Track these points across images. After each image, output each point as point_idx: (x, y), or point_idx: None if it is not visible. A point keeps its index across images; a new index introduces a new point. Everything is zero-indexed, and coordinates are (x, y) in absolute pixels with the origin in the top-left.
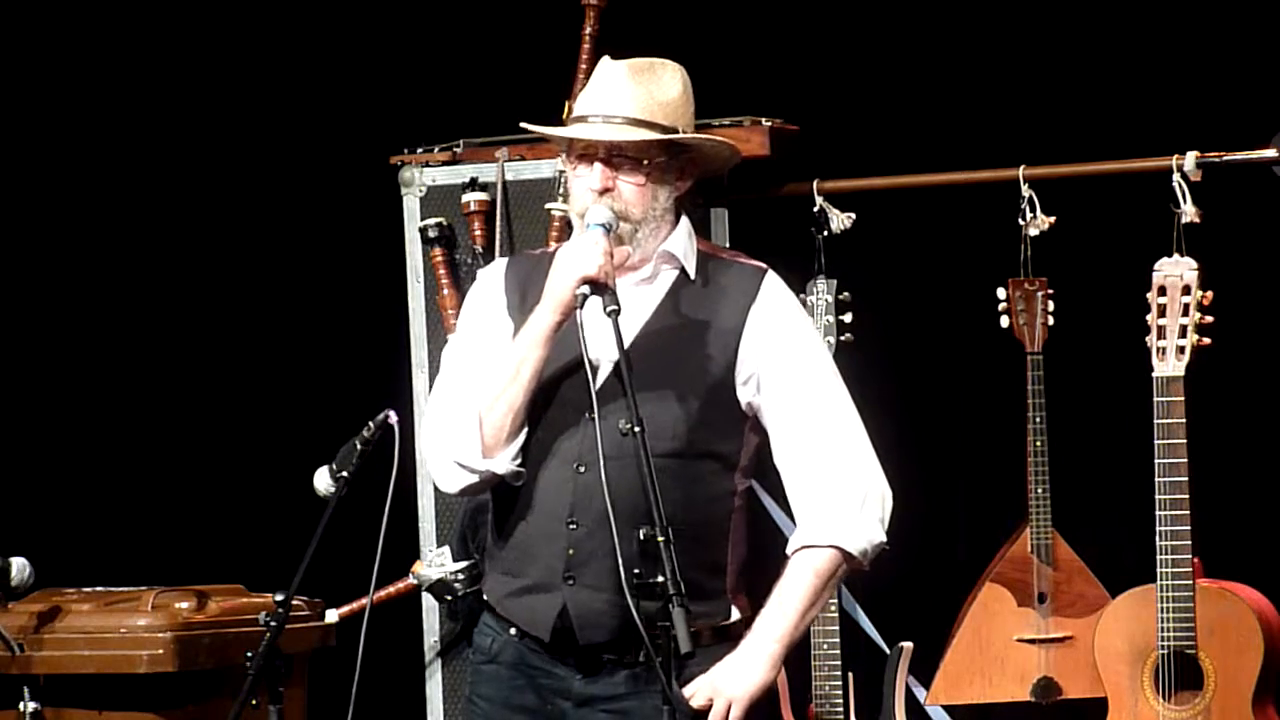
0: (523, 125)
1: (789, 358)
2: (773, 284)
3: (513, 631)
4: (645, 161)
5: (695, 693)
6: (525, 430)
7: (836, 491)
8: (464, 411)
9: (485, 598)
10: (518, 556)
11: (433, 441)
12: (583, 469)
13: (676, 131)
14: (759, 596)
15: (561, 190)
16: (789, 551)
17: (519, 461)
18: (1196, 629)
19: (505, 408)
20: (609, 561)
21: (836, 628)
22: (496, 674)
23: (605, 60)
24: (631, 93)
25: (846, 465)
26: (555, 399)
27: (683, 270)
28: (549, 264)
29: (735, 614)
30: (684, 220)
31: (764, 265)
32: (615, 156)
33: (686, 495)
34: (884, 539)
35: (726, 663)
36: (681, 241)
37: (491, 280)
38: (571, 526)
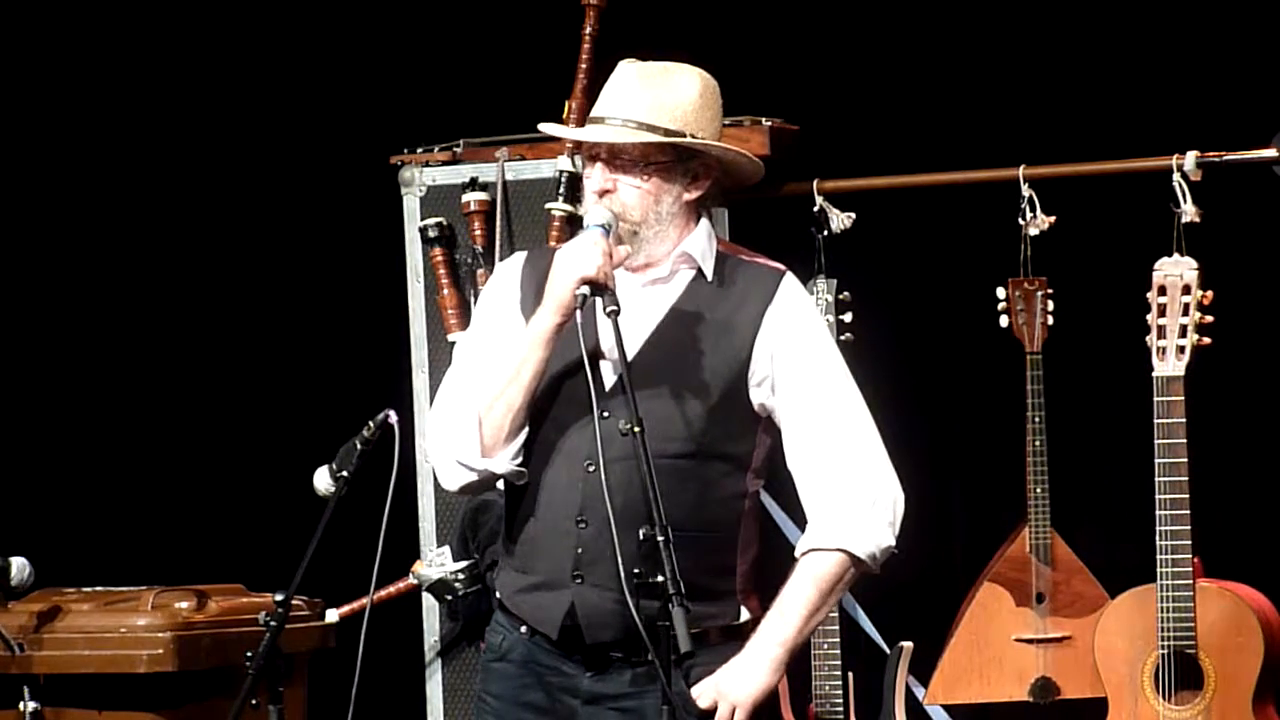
0: (540, 127)
1: (804, 360)
2: (790, 286)
3: (523, 629)
4: (646, 164)
5: (700, 695)
6: (525, 430)
7: (847, 495)
8: (464, 410)
9: (497, 595)
10: (528, 553)
11: (436, 438)
12: (593, 467)
13: (684, 135)
14: (768, 599)
15: (561, 190)
16: (797, 554)
17: (519, 461)
18: (1196, 629)
19: (505, 408)
20: (616, 561)
21: (836, 628)
22: (506, 672)
23: (622, 63)
24: (638, 95)
25: (858, 469)
26: (566, 398)
27: (700, 271)
28: None
29: (745, 615)
30: (704, 221)
31: (783, 267)
32: (618, 158)
33: (697, 496)
34: (893, 543)
35: (730, 666)
36: (700, 242)
37: (508, 275)
38: (581, 525)
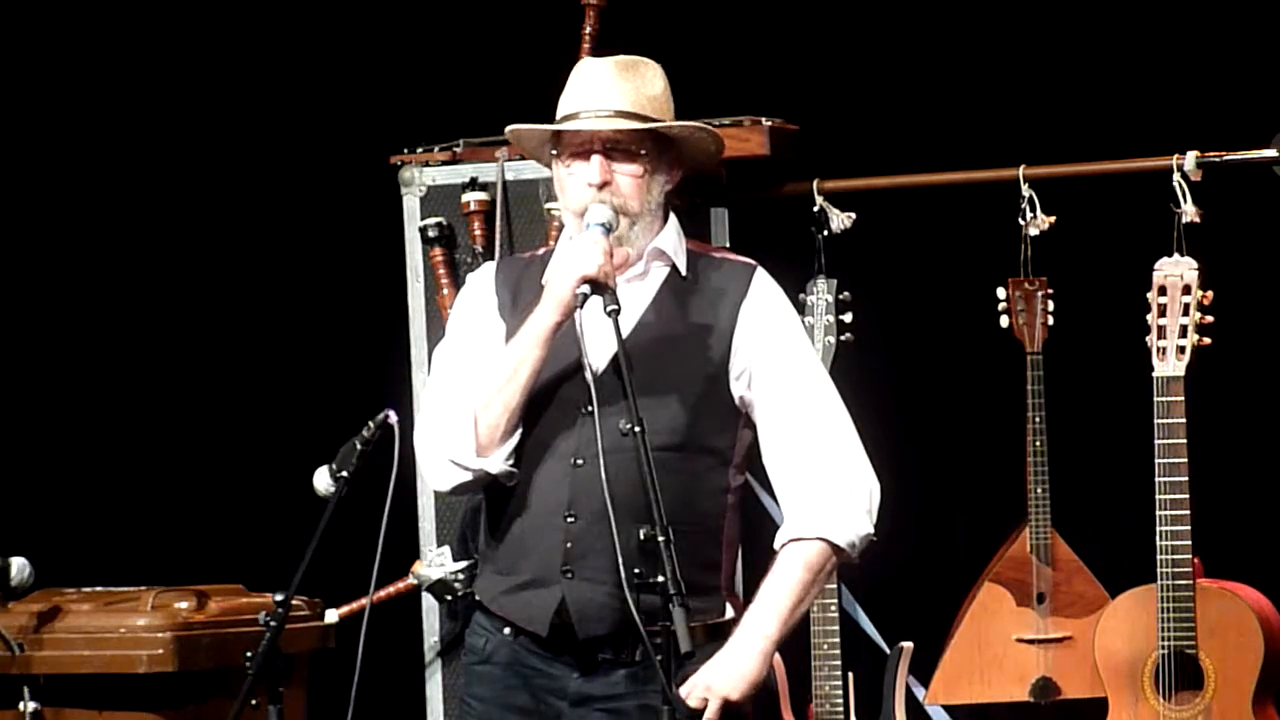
0: (510, 128)
1: (778, 353)
2: (762, 280)
3: (506, 631)
4: (641, 153)
5: (689, 692)
6: (520, 430)
7: (823, 484)
8: (459, 410)
9: (477, 598)
10: (513, 553)
11: (426, 439)
12: (580, 462)
13: (663, 123)
14: (753, 593)
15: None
16: (776, 545)
17: (512, 461)
18: (1196, 629)
19: (501, 407)
20: (608, 555)
21: (836, 628)
22: (490, 674)
23: (587, 59)
24: (620, 87)
25: (832, 458)
26: (552, 398)
27: (674, 267)
28: (540, 265)
29: (730, 612)
30: (673, 217)
31: (753, 262)
32: (611, 149)
33: (683, 490)
34: (872, 531)
35: (717, 660)
36: (671, 239)
37: (481, 282)
38: (570, 520)
